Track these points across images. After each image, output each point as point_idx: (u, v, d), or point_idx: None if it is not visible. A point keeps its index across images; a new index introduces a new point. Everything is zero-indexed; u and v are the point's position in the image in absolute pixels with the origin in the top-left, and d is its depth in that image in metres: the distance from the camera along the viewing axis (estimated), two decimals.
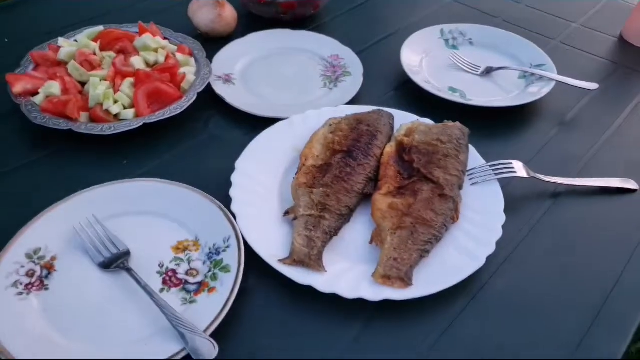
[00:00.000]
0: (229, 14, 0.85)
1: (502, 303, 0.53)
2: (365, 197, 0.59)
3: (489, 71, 0.82)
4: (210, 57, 0.79)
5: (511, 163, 0.63)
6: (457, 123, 0.66)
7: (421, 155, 0.61)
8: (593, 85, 0.77)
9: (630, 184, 0.66)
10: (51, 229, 0.52)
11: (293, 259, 0.51)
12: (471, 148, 0.65)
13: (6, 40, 0.83)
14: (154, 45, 0.73)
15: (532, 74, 0.80)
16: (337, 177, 0.58)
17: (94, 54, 0.71)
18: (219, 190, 0.58)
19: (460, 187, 0.59)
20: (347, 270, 0.52)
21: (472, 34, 0.89)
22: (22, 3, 0.93)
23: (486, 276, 0.55)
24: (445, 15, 0.97)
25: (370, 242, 0.55)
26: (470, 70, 0.83)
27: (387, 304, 0.50)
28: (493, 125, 0.74)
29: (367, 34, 0.92)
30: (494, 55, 0.86)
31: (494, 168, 0.63)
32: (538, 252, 0.58)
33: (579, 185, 0.65)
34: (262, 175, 0.61)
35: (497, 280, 0.55)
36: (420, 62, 0.84)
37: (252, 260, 0.52)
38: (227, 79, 0.77)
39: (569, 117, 0.77)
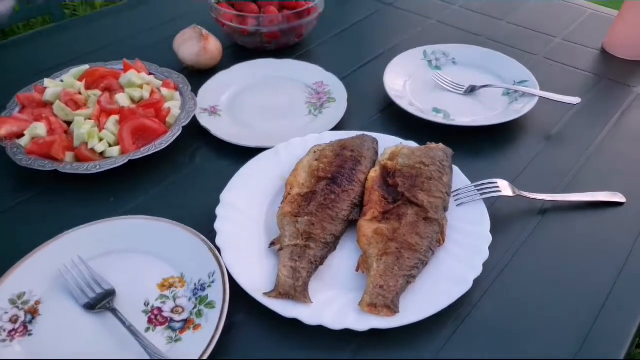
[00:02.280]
0: (214, 46, 0.87)
1: (492, 325, 0.52)
2: (351, 224, 0.59)
3: (472, 90, 0.83)
4: (196, 89, 0.80)
5: (496, 182, 0.63)
6: (440, 144, 0.66)
7: (405, 179, 0.61)
8: (575, 100, 0.78)
9: (617, 197, 0.66)
10: (35, 273, 0.52)
11: (278, 292, 0.50)
12: (455, 169, 0.65)
13: None
14: (138, 81, 0.74)
15: (516, 91, 0.81)
16: (322, 205, 0.58)
17: (79, 93, 0.72)
18: (206, 223, 0.58)
19: (445, 209, 0.59)
20: (334, 299, 0.51)
21: (455, 53, 0.90)
22: (10, 44, 0.95)
23: (475, 298, 0.54)
24: (428, 37, 0.98)
25: (357, 270, 0.54)
26: (453, 90, 0.84)
27: (375, 331, 0.49)
28: (478, 144, 0.74)
29: (351, 58, 0.93)
30: (478, 74, 0.87)
31: (478, 188, 0.63)
32: (527, 271, 0.57)
33: (565, 201, 0.65)
34: (248, 207, 0.61)
35: (486, 302, 0.54)
36: (404, 84, 0.84)
37: (242, 294, 0.51)
38: (213, 111, 0.78)
39: (553, 132, 0.77)
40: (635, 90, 0.85)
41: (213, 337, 0.46)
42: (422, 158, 0.63)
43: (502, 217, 0.63)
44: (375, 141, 0.68)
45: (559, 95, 0.78)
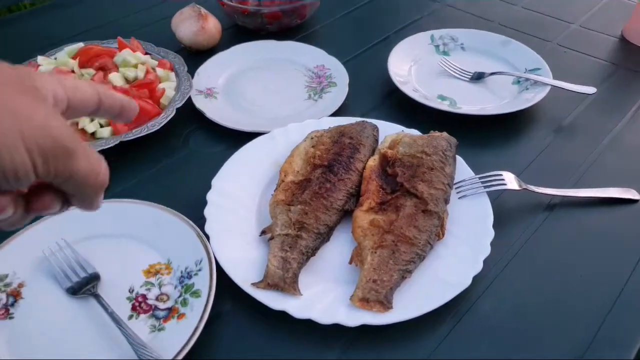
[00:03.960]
0: (212, 26, 0.84)
1: (491, 325, 0.50)
2: (347, 214, 0.56)
3: (480, 77, 0.79)
4: (193, 70, 0.77)
5: (501, 175, 0.60)
6: (444, 133, 0.63)
7: (405, 169, 0.58)
8: (590, 90, 0.74)
9: (631, 194, 0.62)
10: (19, 255, 0.50)
11: (267, 283, 0.48)
12: (459, 159, 0.62)
13: None
14: (133, 60, 0.72)
15: (527, 79, 0.77)
16: (316, 194, 0.56)
17: (72, 71, 0.70)
18: (197, 208, 0.56)
19: (446, 202, 0.57)
20: (325, 292, 0.49)
21: (464, 38, 0.86)
22: (7, 21, 0.93)
23: (474, 296, 0.52)
24: (437, 21, 0.94)
25: (350, 262, 0.52)
26: (461, 77, 0.80)
27: (367, 328, 0.47)
28: (485, 134, 0.71)
29: (355, 42, 0.90)
30: (487, 61, 0.83)
31: (483, 180, 0.60)
32: (531, 269, 0.55)
33: (575, 197, 0.61)
34: (240, 193, 0.59)
35: (486, 301, 0.52)
36: (409, 69, 0.81)
37: (230, 283, 0.50)
38: (209, 93, 0.75)
39: (565, 123, 0.73)
40: None
41: (196, 328, 0.44)
42: (424, 147, 0.60)
43: (506, 212, 0.60)
44: (375, 128, 0.66)
45: (573, 85, 0.74)
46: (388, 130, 0.66)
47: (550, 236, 0.58)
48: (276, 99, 0.76)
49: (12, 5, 1.70)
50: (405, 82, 0.77)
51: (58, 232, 0.52)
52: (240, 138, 0.66)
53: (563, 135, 0.72)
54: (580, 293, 0.52)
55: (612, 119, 0.74)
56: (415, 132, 0.65)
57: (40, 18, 0.95)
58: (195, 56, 0.82)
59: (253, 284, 0.48)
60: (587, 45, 0.89)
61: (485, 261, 0.52)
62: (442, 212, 0.55)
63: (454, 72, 0.81)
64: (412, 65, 0.82)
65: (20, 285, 0.49)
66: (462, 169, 0.61)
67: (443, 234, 0.54)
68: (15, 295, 0.48)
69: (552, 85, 0.74)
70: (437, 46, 0.86)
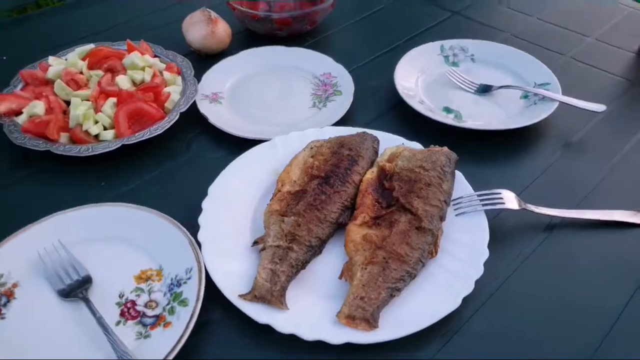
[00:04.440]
0: (222, 30, 0.84)
1: (481, 347, 0.49)
2: (340, 227, 0.56)
3: (488, 90, 0.78)
4: (201, 74, 0.78)
5: (500, 193, 0.59)
6: (444, 148, 0.62)
7: (402, 183, 0.58)
8: (600, 107, 0.72)
9: (636, 218, 0.60)
10: (15, 255, 0.51)
11: (254, 295, 0.49)
12: (459, 175, 0.61)
13: (4, 57, 0.84)
14: (141, 63, 0.73)
15: (535, 94, 0.76)
16: (311, 205, 0.55)
17: (81, 72, 0.71)
18: (194, 214, 0.57)
19: (442, 219, 0.56)
20: (312, 307, 0.49)
21: (474, 50, 0.85)
22: (24, 20, 0.95)
23: (465, 316, 0.51)
24: (450, 30, 0.93)
25: (340, 277, 0.52)
26: (468, 89, 0.79)
27: (352, 345, 0.47)
28: (489, 149, 0.70)
29: (365, 49, 0.89)
30: (497, 73, 0.82)
31: (481, 198, 0.59)
32: (525, 292, 0.54)
33: (576, 218, 0.60)
34: (236, 201, 0.59)
35: (477, 322, 0.51)
36: (417, 80, 0.80)
37: (219, 293, 0.50)
38: (215, 98, 0.76)
39: (573, 140, 0.72)
40: None
41: (181, 337, 0.45)
42: (423, 162, 0.60)
43: (504, 231, 0.59)
44: (376, 140, 0.65)
45: (582, 101, 0.73)
46: (389, 142, 0.65)
47: (547, 258, 0.57)
48: (281, 106, 0.76)
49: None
50: (412, 93, 0.77)
51: (55, 234, 0.53)
52: (242, 144, 0.66)
53: (570, 153, 0.70)
54: (575, 319, 0.51)
55: (622, 138, 0.72)
56: (416, 145, 0.65)
57: (55, 18, 0.97)
58: (204, 60, 0.83)
59: (240, 296, 0.49)
60: (602, 59, 0.87)
61: (478, 282, 0.51)
62: (436, 230, 0.54)
63: (462, 84, 0.79)
64: (419, 76, 0.81)
65: (15, 286, 0.50)
66: (462, 185, 0.61)
67: (436, 252, 0.54)
68: (8, 296, 0.50)
69: (560, 101, 0.73)
70: (446, 57, 0.85)
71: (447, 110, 0.75)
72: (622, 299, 0.53)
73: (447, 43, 0.85)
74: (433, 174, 0.58)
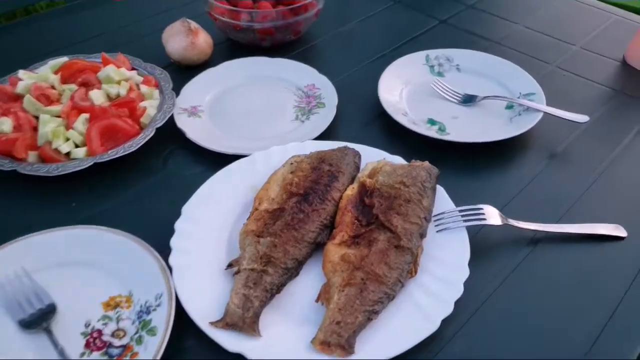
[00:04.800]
0: (203, 41, 0.83)
1: None
2: (319, 247, 0.55)
3: (472, 100, 0.77)
4: (181, 86, 0.77)
5: (482, 209, 0.58)
6: (425, 163, 0.61)
7: (382, 200, 0.56)
8: (583, 118, 0.71)
9: (619, 231, 0.59)
10: None
11: (225, 322, 0.47)
12: (440, 190, 0.60)
13: None
14: (117, 77, 0.71)
15: (520, 104, 0.75)
16: (288, 225, 0.54)
17: (53, 87, 0.69)
18: (169, 236, 0.55)
19: (422, 236, 0.54)
20: (287, 333, 0.47)
21: (460, 59, 0.84)
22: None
23: (445, 337, 0.49)
24: (434, 40, 0.92)
25: (317, 300, 0.50)
26: (453, 100, 0.78)
27: None
28: (472, 162, 0.69)
29: (349, 59, 0.88)
30: (482, 83, 0.81)
31: (463, 214, 0.57)
32: (507, 310, 0.52)
33: (560, 232, 0.59)
34: (212, 221, 0.57)
35: (457, 343, 0.49)
36: (401, 91, 0.79)
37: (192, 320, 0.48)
38: (193, 112, 0.74)
39: (557, 151, 0.71)
40: None
41: None
42: (403, 177, 0.58)
43: (486, 247, 0.58)
44: (357, 155, 0.64)
45: (565, 112, 0.72)
46: (371, 157, 0.64)
47: (530, 275, 0.55)
48: (263, 119, 0.75)
49: (29, 5, 1.71)
50: (396, 104, 0.75)
51: (18, 260, 0.51)
52: (221, 160, 0.65)
53: (553, 165, 0.69)
54: (558, 336, 0.50)
55: (606, 149, 0.71)
56: (398, 160, 0.63)
57: (28, 30, 0.95)
58: (184, 71, 0.81)
59: (211, 323, 0.47)
60: (587, 68, 0.86)
61: (458, 301, 0.50)
62: (415, 248, 0.53)
63: (447, 94, 0.78)
64: (404, 87, 0.79)
65: None
66: (443, 201, 0.59)
67: (415, 272, 0.52)
68: None
69: (544, 112, 0.72)
70: (432, 67, 0.84)
71: (432, 122, 0.74)
72: (604, 314, 0.52)
73: (433, 53, 0.84)
74: (413, 190, 0.57)
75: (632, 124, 0.75)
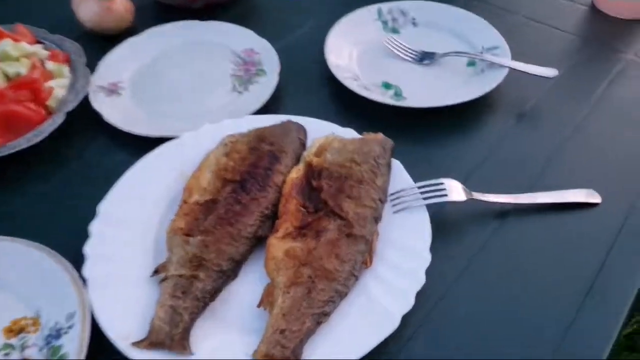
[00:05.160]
0: (121, 5, 0.71)
1: None
2: (261, 242, 0.48)
3: (430, 58, 0.69)
4: (97, 61, 0.66)
5: (442, 183, 0.51)
6: (379, 135, 0.54)
7: (331, 181, 0.49)
8: (552, 72, 0.65)
9: (592, 197, 0.54)
10: None
11: (150, 341, 0.40)
12: (397, 165, 0.53)
13: None
14: (15, 52, 0.60)
15: (482, 60, 0.68)
16: (222, 219, 0.46)
17: None
18: (85, 240, 0.47)
19: (376, 221, 0.48)
20: (225, 346, 0.41)
21: (415, 12, 0.75)
22: None
23: (406, 335, 0.44)
24: None
25: (259, 305, 0.43)
26: (408, 59, 0.70)
27: None
28: (432, 128, 0.62)
29: (293, 19, 0.78)
30: (441, 38, 0.73)
31: (422, 190, 0.51)
32: (474, 294, 0.47)
33: (529, 203, 0.54)
34: (134, 220, 0.49)
35: (420, 340, 0.44)
36: (351, 52, 0.70)
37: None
38: (113, 89, 0.64)
39: (524, 111, 0.65)
40: (625, 57, 0.72)
41: None
42: (354, 154, 0.51)
43: (449, 226, 0.52)
44: (302, 130, 0.56)
45: (532, 66, 0.65)
46: (319, 131, 0.56)
47: (499, 252, 0.50)
48: (195, 92, 0.65)
49: None
50: (345, 68, 0.67)
51: None
52: (146, 144, 0.56)
53: (521, 127, 0.63)
54: (533, 318, 0.45)
55: (577, 104, 0.65)
56: (350, 133, 0.56)
57: None
58: (101, 42, 0.70)
59: (134, 344, 0.40)
60: (555, 16, 0.79)
61: (420, 292, 0.44)
62: (370, 235, 0.47)
63: (402, 53, 0.70)
64: (354, 48, 0.71)
65: None
66: (400, 177, 0.53)
67: (371, 261, 0.46)
68: None
69: (509, 67, 0.65)
70: (385, 22, 0.75)
71: (387, 85, 0.66)
72: (580, 287, 0.47)
73: (385, 7, 0.75)
74: (365, 168, 0.50)
75: (603, 74, 0.69)
